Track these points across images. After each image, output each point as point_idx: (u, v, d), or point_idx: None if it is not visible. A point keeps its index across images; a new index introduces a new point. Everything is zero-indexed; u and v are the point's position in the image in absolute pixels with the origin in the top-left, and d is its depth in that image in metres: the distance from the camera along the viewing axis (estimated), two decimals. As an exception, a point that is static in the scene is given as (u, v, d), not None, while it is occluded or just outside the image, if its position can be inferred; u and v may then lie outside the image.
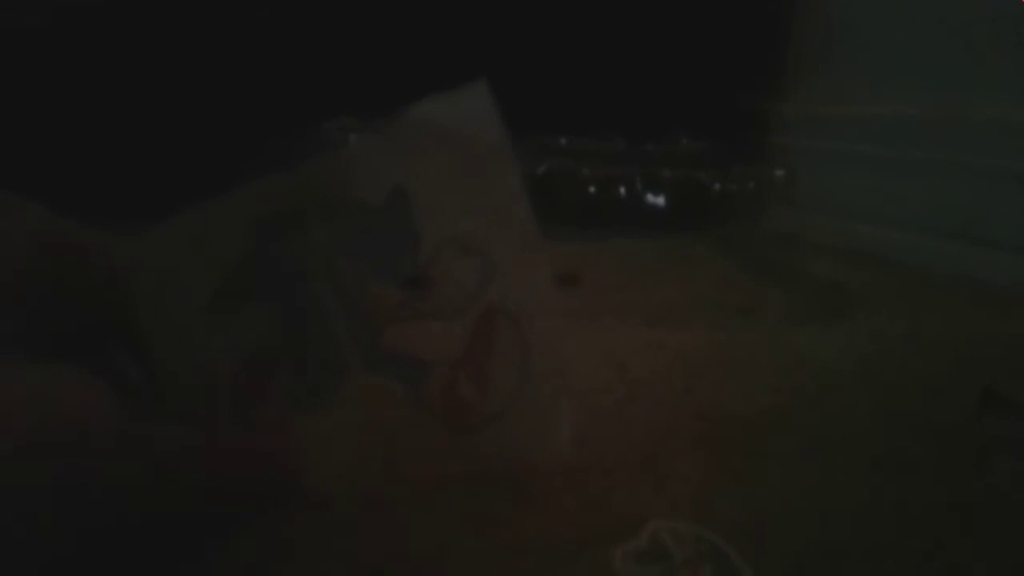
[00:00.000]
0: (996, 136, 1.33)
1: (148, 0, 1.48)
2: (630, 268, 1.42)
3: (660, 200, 1.26)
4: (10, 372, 0.45)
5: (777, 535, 0.63)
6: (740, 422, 0.83)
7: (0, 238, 0.54)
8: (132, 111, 1.51)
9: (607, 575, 0.58)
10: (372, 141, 0.63)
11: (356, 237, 0.57)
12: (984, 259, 1.31)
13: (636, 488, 0.71)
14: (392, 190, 0.58)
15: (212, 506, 0.57)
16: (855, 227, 1.53)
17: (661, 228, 1.33)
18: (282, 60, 1.51)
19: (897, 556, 0.61)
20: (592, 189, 1.26)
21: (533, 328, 0.65)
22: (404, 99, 1.09)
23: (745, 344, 1.07)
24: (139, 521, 0.52)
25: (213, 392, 0.58)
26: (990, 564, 0.61)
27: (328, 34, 1.54)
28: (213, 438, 0.57)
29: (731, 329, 1.12)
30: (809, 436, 0.80)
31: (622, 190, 1.26)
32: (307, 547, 0.61)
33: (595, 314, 1.17)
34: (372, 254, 0.58)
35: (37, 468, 0.44)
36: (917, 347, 1.07)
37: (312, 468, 0.62)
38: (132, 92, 1.51)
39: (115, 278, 0.57)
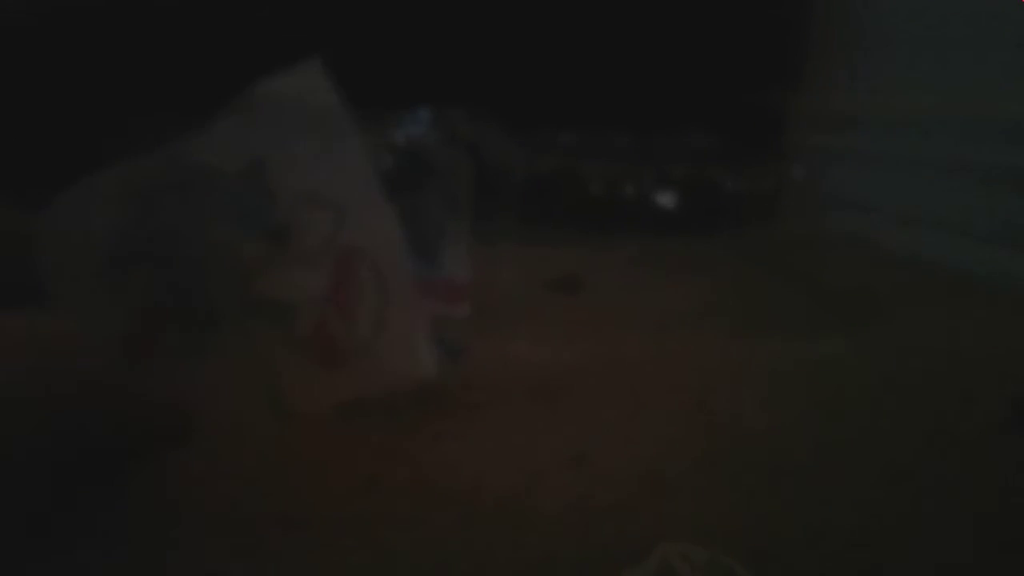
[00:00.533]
0: (1024, 133, 1.29)
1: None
2: (637, 273, 1.39)
3: (669, 200, 1.23)
4: None
5: (796, 558, 0.60)
6: (755, 438, 0.80)
7: None
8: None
9: (613, 604, 0.55)
10: (229, 119, 0.74)
11: (221, 203, 0.68)
12: (1015, 263, 1.28)
13: (644, 508, 0.67)
14: (249, 160, 0.69)
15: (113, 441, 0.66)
16: (880, 229, 1.49)
17: (671, 230, 1.31)
18: (274, 57, 1.51)
19: None
20: (596, 188, 1.23)
21: (385, 265, 0.75)
22: (392, 92, 1.06)
23: (761, 355, 1.03)
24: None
25: (109, 344, 0.68)
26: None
27: (321, 26, 1.54)
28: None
29: (746, 339, 1.08)
30: (829, 453, 0.77)
31: (628, 189, 1.23)
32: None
33: (599, 323, 1.15)
34: (236, 216, 0.68)
35: None
36: (945, 358, 1.02)
37: (201, 410, 0.70)
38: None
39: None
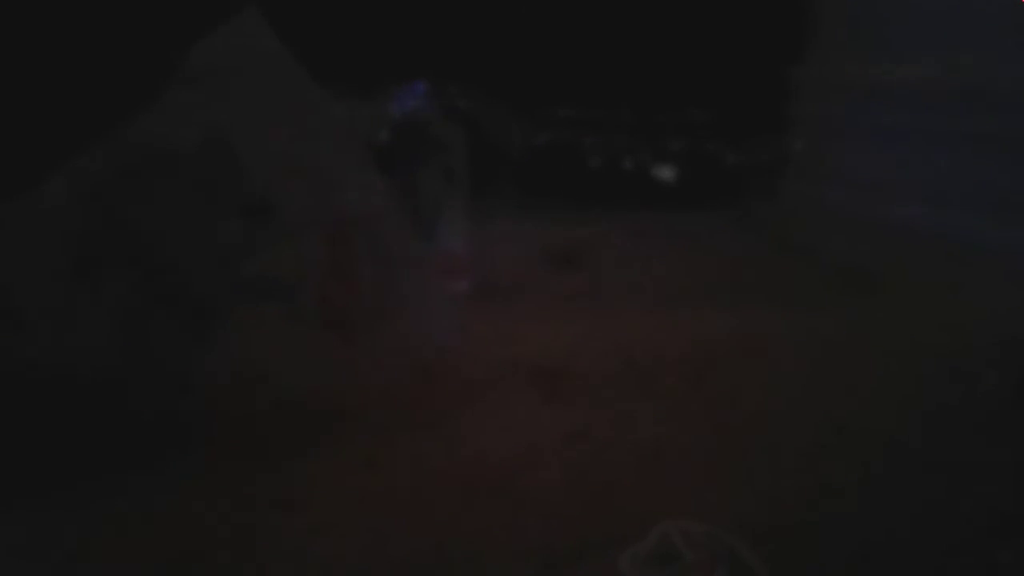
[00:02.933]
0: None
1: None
2: (636, 246, 1.38)
3: (668, 174, 1.22)
4: None
5: (795, 534, 0.61)
6: (755, 413, 0.81)
7: None
8: None
9: (613, 578, 0.56)
10: (177, 92, 0.68)
11: (185, 186, 0.64)
12: (1017, 236, 1.27)
13: (643, 485, 0.68)
14: (207, 134, 0.65)
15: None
16: (880, 202, 1.48)
17: (670, 204, 1.30)
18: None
19: (923, 556, 0.59)
20: (595, 162, 1.22)
21: (385, 233, 0.75)
22: (391, 67, 1.05)
23: (759, 329, 1.03)
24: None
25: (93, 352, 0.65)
26: (1020, 562, 0.59)
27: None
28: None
29: (746, 312, 1.08)
30: (829, 427, 0.77)
31: (627, 163, 1.22)
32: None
33: (599, 298, 1.15)
34: (204, 198, 0.65)
35: None
36: (943, 331, 1.02)
37: (213, 403, 0.70)
38: None
39: None
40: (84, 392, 0.64)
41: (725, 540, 0.58)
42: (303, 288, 0.71)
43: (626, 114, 1.23)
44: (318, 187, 0.69)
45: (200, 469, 0.69)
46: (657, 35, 1.57)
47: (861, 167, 1.52)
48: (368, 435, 0.75)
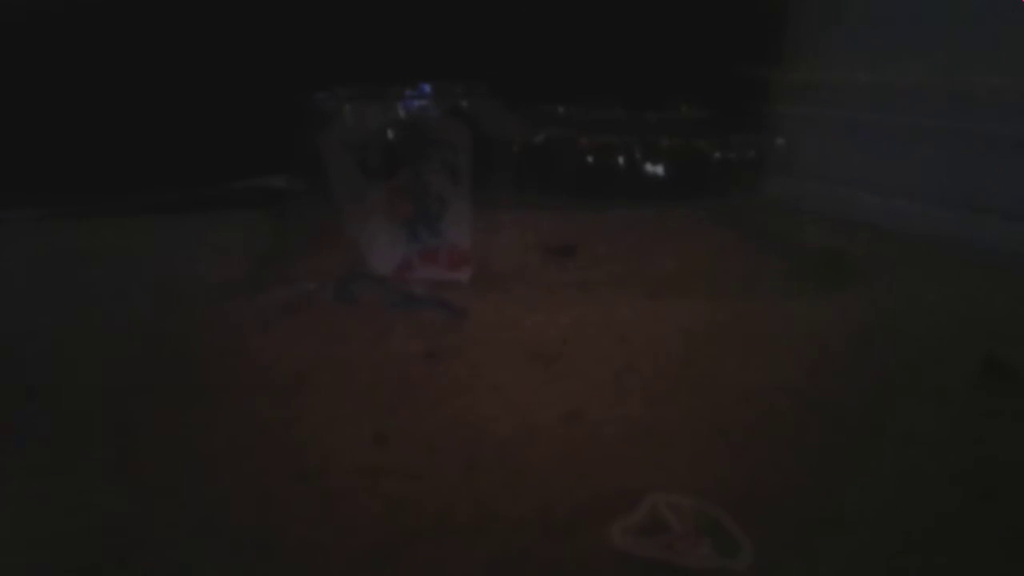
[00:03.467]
0: (998, 105, 1.32)
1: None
2: (628, 238, 1.42)
3: (659, 169, 1.25)
4: None
5: (777, 506, 0.64)
6: (740, 392, 0.84)
7: None
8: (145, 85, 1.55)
9: (606, 548, 0.59)
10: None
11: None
12: (985, 228, 1.31)
13: (634, 460, 0.71)
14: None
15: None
16: (855, 196, 1.52)
17: (660, 198, 1.33)
18: (278, 36, 1.54)
19: (898, 527, 0.61)
20: (590, 158, 1.25)
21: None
22: (396, 69, 1.09)
23: (745, 314, 1.07)
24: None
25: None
26: (991, 534, 0.61)
27: (328, 7, 1.55)
28: None
29: (731, 299, 1.12)
30: (809, 406, 0.81)
31: (621, 159, 1.25)
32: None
33: (593, 285, 1.18)
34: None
35: None
36: (917, 316, 1.07)
37: None
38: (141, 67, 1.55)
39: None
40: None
41: (711, 512, 0.62)
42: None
43: (619, 113, 1.26)
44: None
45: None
46: (649, 37, 1.60)
47: (839, 163, 1.56)
48: (376, 412, 0.79)
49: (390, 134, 1.13)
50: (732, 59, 1.60)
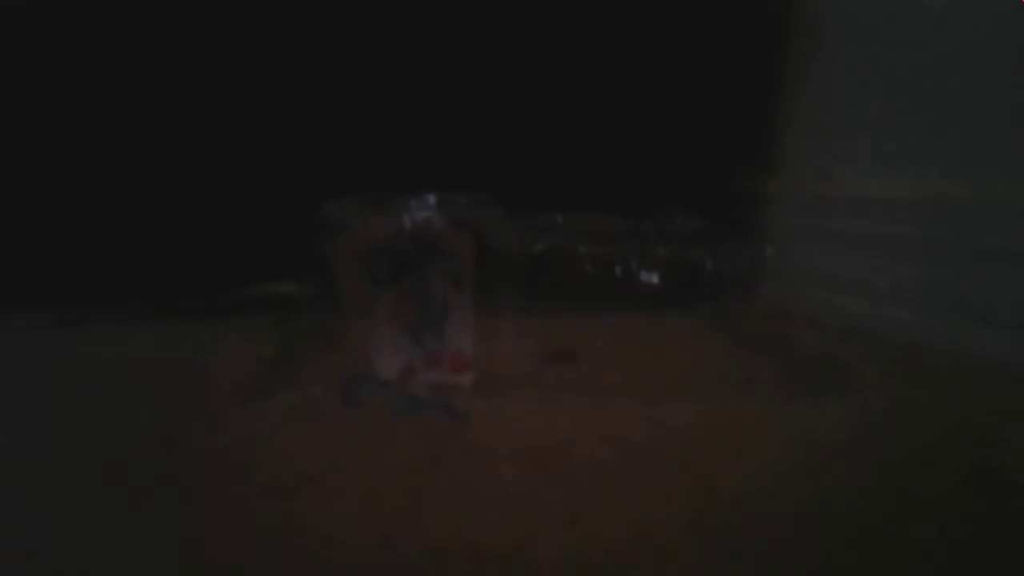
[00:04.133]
0: (984, 213, 1.36)
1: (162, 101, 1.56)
2: (626, 344, 1.44)
3: (655, 278, 1.28)
4: None
5: None
6: (737, 498, 0.85)
7: None
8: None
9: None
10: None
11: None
12: (972, 335, 1.34)
13: (636, 566, 0.71)
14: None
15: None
16: (846, 303, 1.56)
17: (656, 305, 1.35)
18: (287, 146, 1.59)
19: None
20: (589, 267, 1.28)
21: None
22: (403, 180, 1.14)
23: (739, 419, 1.08)
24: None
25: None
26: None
27: (328, 122, 1.61)
28: None
29: (726, 404, 1.13)
30: (804, 512, 0.82)
31: (618, 268, 1.28)
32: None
33: (592, 390, 1.19)
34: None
35: None
36: (907, 421, 1.09)
37: None
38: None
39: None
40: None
41: None
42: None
43: (616, 222, 1.29)
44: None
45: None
46: (645, 149, 1.66)
47: (829, 271, 1.59)
48: (382, 515, 0.80)
49: (396, 243, 1.16)
50: (725, 170, 1.65)
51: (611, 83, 1.70)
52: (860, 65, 1.58)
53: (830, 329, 1.49)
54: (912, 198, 1.46)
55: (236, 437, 1.01)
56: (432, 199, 1.18)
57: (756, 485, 0.88)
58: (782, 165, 1.72)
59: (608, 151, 1.66)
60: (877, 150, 1.53)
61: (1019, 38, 1.30)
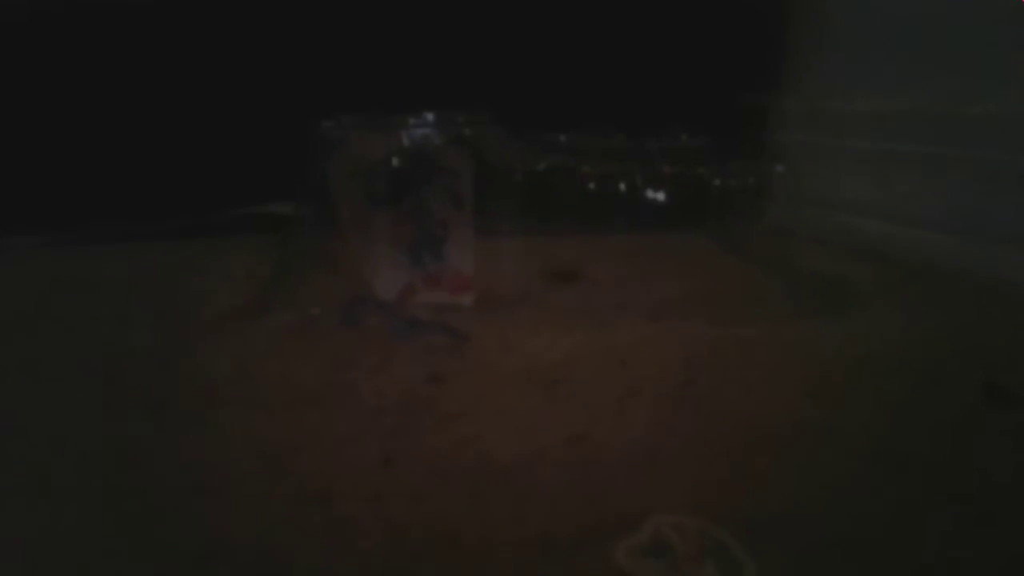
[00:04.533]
0: (996, 131, 1.32)
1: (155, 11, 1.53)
2: (630, 264, 1.42)
3: (660, 196, 1.26)
4: None
5: (780, 529, 0.64)
6: (741, 417, 0.84)
7: None
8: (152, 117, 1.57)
9: (609, 569, 0.59)
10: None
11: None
12: (984, 253, 1.32)
13: (638, 482, 0.71)
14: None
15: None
16: (854, 222, 1.53)
17: (661, 224, 1.34)
18: (283, 66, 1.55)
19: (899, 550, 0.62)
20: (592, 186, 1.26)
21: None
22: (401, 98, 1.11)
23: (745, 339, 1.07)
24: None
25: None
26: (990, 557, 0.62)
27: (333, 38, 1.57)
28: None
29: (731, 324, 1.12)
30: (810, 430, 0.81)
31: (622, 187, 1.26)
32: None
33: (596, 310, 1.18)
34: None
35: None
36: (917, 341, 1.08)
37: None
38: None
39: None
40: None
41: (715, 533, 0.63)
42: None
43: (620, 141, 1.26)
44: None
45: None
46: (649, 66, 1.62)
47: (839, 190, 1.56)
48: (382, 436, 0.80)
49: (394, 161, 1.14)
50: (732, 87, 1.61)
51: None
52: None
53: (839, 249, 1.47)
54: (926, 115, 1.42)
55: (235, 358, 1.00)
56: (431, 117, 1.17)
57: (761, 405, 0.87)
58: (791, 81, 1.68)
59: (611, 67, 1.62)
60: (890, 66, 1.49)
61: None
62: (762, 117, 1.69)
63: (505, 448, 0.77)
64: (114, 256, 1.48)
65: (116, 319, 1.15)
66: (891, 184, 1.47)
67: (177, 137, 1.56)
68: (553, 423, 0.82)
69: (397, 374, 0.95)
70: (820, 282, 1.31)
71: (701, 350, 1.03)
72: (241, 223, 1.53)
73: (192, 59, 1.57)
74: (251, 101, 1.55)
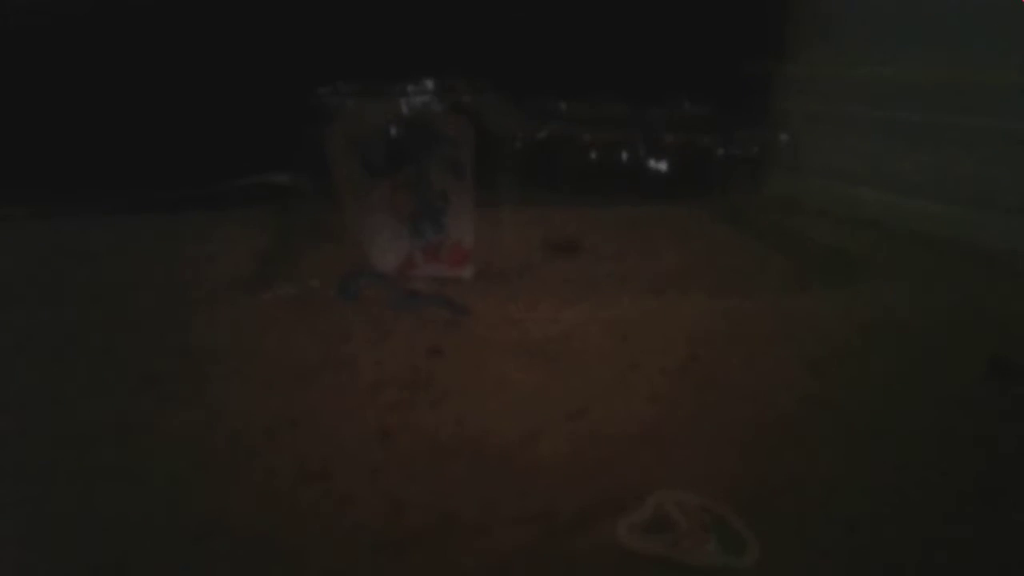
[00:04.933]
0: (1001, 100, 1.31)
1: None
2: (631, 235, 1.41)
3: (662, 166, 1.24)
4: None
5: (782, 505, 0.64)
6: (744, 390, 0.84)
7: None
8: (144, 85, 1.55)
9: (611, 546, 0.59)
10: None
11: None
12: (988, 224, 1.31)
13: (639, 458, 0.71)
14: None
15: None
16: (858, 192, 1.52)
17: (663, 194, 1.32)
18: (280, 32, 1.53)
19: (902, 525, 0.62)
20: (593, 155, 1.24)
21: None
22: (400, 65, 1.09)
23: (748, 311, 1.07)
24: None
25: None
26: (994, 532, 0.61)
27: (330, 4, 1.55)
28: None
29: (734, 296, 1.11)
30: (812, 404, 0.81)
31: (624, 156, 1.24)
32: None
33: (596, 283, 1.18)
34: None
35: None
36: (920, 313, 1.07)
37: None
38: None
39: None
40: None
41: (717, 510, 0.62)
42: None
43: (622, 109, 1.25)
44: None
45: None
46: (651, 33, 1.60)
47: (843, 160, 1.55)
48: (381, 409, 0.79)
49: (393, 130, 1.13)
50: (735, 54, 1.59)
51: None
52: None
53: (842, 219, 1.46)
54: (929, 83, 1.41)
55: (234, 331, 0.99)
56: (430, 84, 1.15)
57: (764, 379, 0.87)
58: (795, 48, 1.65)
59: (612, 34, 1.59)
60: (894, 32, 1.47)
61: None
62: (766, 85, 1.67)
63: (505, 423, 0.76)
64: (112, 227, 1.47)
65: (114, 290, 1.14)
66: (895, 153, 1.46)
67: (173, 106, 1.55)
68: (554, 397, 0.82)
69: (396, 347, 0.94)
70: (823, 253, 1.30)
71: (703, 323, 1.02)
72: (239, 194, 1.52)
73: (188, 27, 1.55)
74: (248, 69, 1.54)
